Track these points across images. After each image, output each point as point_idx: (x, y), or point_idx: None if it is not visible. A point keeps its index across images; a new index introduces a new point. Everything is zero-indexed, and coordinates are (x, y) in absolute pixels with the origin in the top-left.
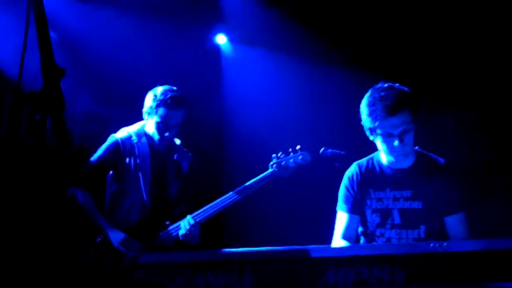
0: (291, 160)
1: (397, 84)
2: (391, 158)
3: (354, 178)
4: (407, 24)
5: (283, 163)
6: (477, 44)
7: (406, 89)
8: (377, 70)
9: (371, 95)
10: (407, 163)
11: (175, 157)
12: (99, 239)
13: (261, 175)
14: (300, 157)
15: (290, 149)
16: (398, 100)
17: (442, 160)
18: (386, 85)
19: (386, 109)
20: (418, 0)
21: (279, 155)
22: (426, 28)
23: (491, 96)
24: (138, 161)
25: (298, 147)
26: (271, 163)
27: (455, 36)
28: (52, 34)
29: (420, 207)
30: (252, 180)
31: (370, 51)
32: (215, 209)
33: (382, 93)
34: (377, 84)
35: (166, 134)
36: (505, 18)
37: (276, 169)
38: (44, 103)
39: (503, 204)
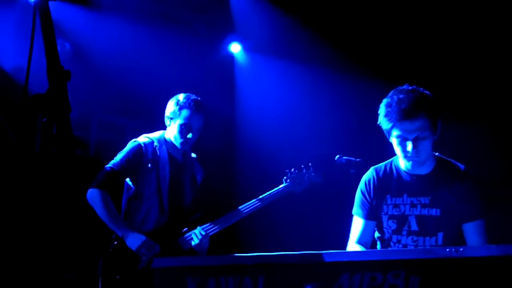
0: (305, 177)
1: (421, 89)
2: (407, 164)
3: (371, 183)
4: (426, 33)
5: (296, 179)
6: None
7: (428, 94)
8: (392, 79)
9: (390, 96)
10: (425, 169)
11: (190, 168)
12: (112, 246)
13: (275, 189)
14: (313, 174)
15: (303, 166)
16: (415, 104)
17: (462, 166)
18: (409, 87)
19: (402, 112)
20: (437, 11)
21: (292, 170)
22: (446, 38)
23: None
24: (159, 166)
25: (310, 164)
26: (285, 177)
27: (475, 45)
28: (67, 44)
29: (438, 214)
30: (266, 193)
31: (386, 60)
32: (230, 221)
33: (401, 96)
34: (402, 86)
35: (189, 135)
36: None
37: (290, 183)
38: (50, 106)
39: None
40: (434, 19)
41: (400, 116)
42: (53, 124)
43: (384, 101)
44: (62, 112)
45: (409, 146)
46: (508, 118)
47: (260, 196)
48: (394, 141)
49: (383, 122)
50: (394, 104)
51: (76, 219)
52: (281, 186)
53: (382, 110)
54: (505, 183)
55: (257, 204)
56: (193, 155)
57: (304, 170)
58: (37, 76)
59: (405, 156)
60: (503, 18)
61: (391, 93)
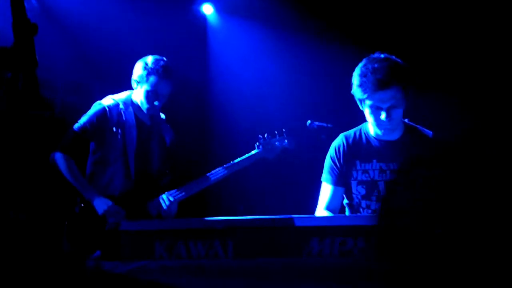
0: (277, 143)
1: (393, 57)
2: (378, 131)
3: (341, 149)
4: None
5: (268, 145)
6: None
7: (401, 63)
8: (365, 44)
9: (364, 65)
10: (394, 135)
11: (159, 131)
12: (77, 209)
13: (247, 155)
14: (286, 141)
15: (276, 132)
16: (390, 74)
17: (430, 132)
18: (382, 56)
19: (377, 82)
20: None
21: (265, 136)
22: (418, 8)
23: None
24: (125, 130)
25: (283, 130)
26: (257, 143)
27: (446, 18)
28: (33, 1)
29: None
30: (237, 159)
31: (359, 27)
32: (198, 186)
33: (376, 65)
34: (374, 53)
35: (156, 103)
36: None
37: (261, 149)
38: (15, 60)
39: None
40: None
41: (375, 86)
42: (18, 80)
43: (357, 70)
44: (28, 67)
45: (383, 115)
46: (473, 87)
47: (231, 162)
48: (367, 110)
49: (357, 92)
50: (369, 74)
51: (41, 180)
52: (252, 152)
53: (356, 80)
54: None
55: (226, 171)
56: (162, 116)
57: (277, 137)
58: (2, 30)
59: (378, 124)
60: None
61: (364, 62)
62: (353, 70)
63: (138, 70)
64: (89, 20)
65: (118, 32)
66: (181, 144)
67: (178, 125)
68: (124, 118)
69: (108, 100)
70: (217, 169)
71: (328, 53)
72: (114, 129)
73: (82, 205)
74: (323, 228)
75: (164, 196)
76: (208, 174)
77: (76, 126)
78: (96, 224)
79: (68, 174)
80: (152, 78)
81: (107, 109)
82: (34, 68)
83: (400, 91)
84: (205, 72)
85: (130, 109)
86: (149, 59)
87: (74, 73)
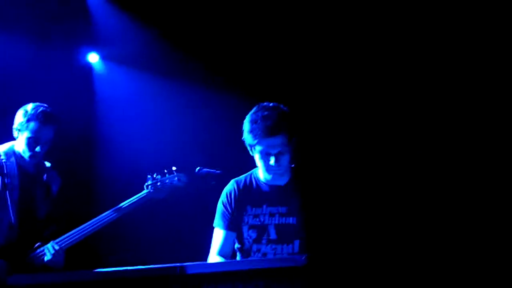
0: (167, 181)
1: (282, 105)
2: (268, 176)
3: (232, 194)
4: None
5: (158, 184)
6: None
7: (288, 111)
8: (251, 93)
9: (255, 112)
10: (283, 180)
11: (44, 179)
12: None
13: (136, 196)
14: (176, 178)
15: (166, 170)
16: (279, 122)
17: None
18: (271, 104)
19: (266, 129)
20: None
21: (154, 175)
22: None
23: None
24: (6, 180)
25: (174, 168)
26: (146, 183)
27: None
28: None
29: (294, 223)
30: (126, 201)
31: (245, 75)
32: (83, 232)
33: (266, 112)
34: (263, 102)
35: (37, 149)
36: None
37: (152, 190)
38: None
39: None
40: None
41: (265, 132)
42: None
43: (248, 117)
44: None
45: (272, 160)
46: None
47: (119, 205)
48: (257, 155)
49: (248, 137)
50: (259, 120)
51: None
52: (142, 193)
53: (246, 126)
54: None
55: (114, 215)
56: (48, 164)
57: (167, 175)
58: None
59: (267, 169)
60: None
61: (255, 109)
62: (241, 117)
63: (19, 117)
64: None
65: (2, 82)
66: (69, 191)
67: (66, 171)
68: (5, 168)
69: None
70: (105, 213)
71: (216, 100)
72: None
73: None
74: (214, 275)
75: (49, 245)
76: (95, 218)
77: None
78: None
79: None
80: (32, 124)
81: None
82: None
83: (287, 138)
84: (92, 117)
85: (12, 159)
86: (29, 106)
87: None
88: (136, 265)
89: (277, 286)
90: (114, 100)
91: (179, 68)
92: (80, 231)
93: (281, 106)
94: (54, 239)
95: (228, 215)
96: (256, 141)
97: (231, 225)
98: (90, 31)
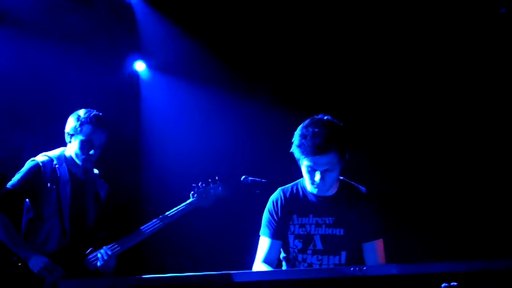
0: (211, 191)
1: (336, 121)
2: (313, 190)
3: (279, 203)
4: (324, 57)
5: (203, 194)
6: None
7: (341, 127)
8: (296, 104)
9: (305, 127)
10: (330, 191)
11: (93, 185)
12: (14, 268)
13: (182, 205)
14: (220, 188)
15: (210, 180)
16: (328, 140)
17: (363, 188)
18: (324, 118)
19: (315, 147)
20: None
21: (199, 184)
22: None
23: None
24: (59, 186)
25: (216, 178)
26: (192, 192)
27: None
28: None
29: (342, 234)
30: (173, 209)
31: (290, 81)
32: (134, 239)
33: (317, 129)
34: (317, 115)
35: (91, 152)
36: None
37: (197, 199)
38: None
39: (413, 231)
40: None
41: (313, 150)
42: None
43: (299, 130)
44: None
45: (317, 176)
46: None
47: (166, 213)
48: (303, 168)
49: (296, 151)
50: (308, 137)
51: None
52: (187, 201)
53: (296, 140)
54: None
55: (161, 223)
56: (96, 171)
57: (211, 185)
58: None
59: (312, 183)
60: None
61: (306, 122)
62: (288, 126)
63: (71, 122)
64: (23, 78)
65: (52, 90)
66: (116, 198)
67: (112, 179)
68: (58, 174)
69: (41, 157)
70: (152, 221)
71: (262, 109)
72: (48, 185)
73: (20, 264)
74: (260, 283)
75: (102, 250)
76: (142, 227)
77: (9, 184)
78: (34, 284)
79: (3, 233)
80: (85, 128)
81: (41, 165)
82: None
83: (337, 157)
84: (138, 126)
85: (64, 164)
86: (81, 111)
87: (7, 130)
88: (183, 273)
89: None
90: (160, 107)
91: (225, 76)
92: (131, 238)
93: (335, 121)
94: (104, 244)
95: (274, 223)
96: (303, 157)
97: (277, 234)
98: (137, 40)
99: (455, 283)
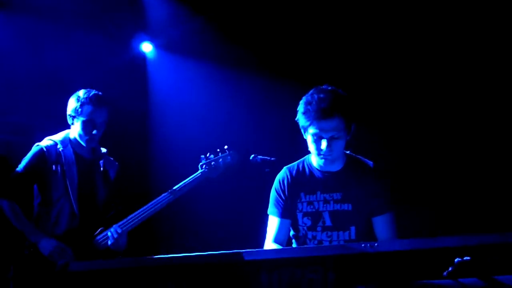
0: (220, 160)
1: (340, 90)
2: (320, 161)
3: (285, 182)
4: (335, 34)
5: (212, 163)
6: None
7: (346, 95)
8: (303, 80)
9: (310, 94)
10: (337, 166)
11: (101, 164)
12: (26, 251)
13: (191, 176)
14: (229, 156)
15: (218, 149)
16: (334, 105)
17: (371, 163)
18: (329, 88)
19: (320, 111)
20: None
21: (207, 155)
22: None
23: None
24: (65, 168)
25: (225, 147)
26: (201, 163)
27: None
28: None
29: (350, 209)
30: (182, 182)
31: (296, 60)
32: (144, 215)
33: (322, 95)
34: (322, 85)
35: (94, 132)
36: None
37: (206, 169)
38: None
39: (423, 204)
40: (341, 18)
41: (319, 115)
42: None
43: (304, 98)
44: None
45: (323, 144)
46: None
47: (175, 186)
48: (309, 138)
49: (301, 119)
50: (314, 102)
51: None
52: (196, 173)
53: (301, 107)
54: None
55: (172, 196)
56: (103, 150)
57: (220, 154)
58: None
59: (318, 154)
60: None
61: (311, 91)
62: (295, 104)
63: (72, 104)
64: (30, 60)
65: (58, 71)
66: (125, 174)
67: (121, 157)
68: (63, 156)
69: (45, 141)
70: (161, 196)
71: (268, 86)
72: (53, 168)
73: (32, 249)
74: (271, 261)
75: (112, 229)
76: (151, 202)
77: (16, 170)
78: (46, 266)
79: (13, 219)
80: (86, 108)
81: (44, 149)
82: None
83: (342, 123)
84: (145, 104)
85: (69, 147)
86: (81, 92)
87: (15, 114)
88: (193, 252)
89: (333, 274)
90: (167, 87)
91: (231, 54)
92: (140, 213)
93: (339, 90)
94: (114, 223)
95: (282, 202)
96: (309, 123)
97: (285, 213)
98: (144, 21)
99: (468, 257)
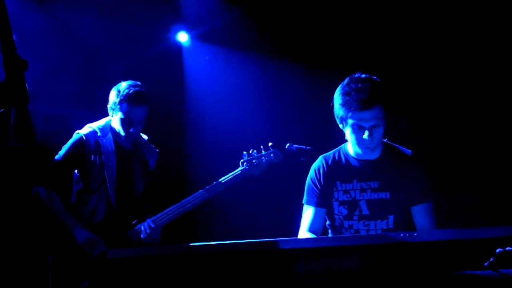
0: (263, 158)
1: (375, 77)
2: (358, 150)
3: (321, 171)
4: (366, 22)
5: (254, 161)
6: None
7: (383, 83)
8: (339, 68)
9: (347, 84)
10: (374, 154)
11: (142, 154)
12: (64, 240)
13: (231, 173)
14: (272, 154)
15: (262, 146)
16: (373, 94)
17: (408, 151)
18: (363, 76)
19: (361, 102)
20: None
21: (250, 152)
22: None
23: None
24: (103, 159)
25: (270, 144)
26: (242, 160)
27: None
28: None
29: (388, 198)
30: (221, 179)
31: (331, 49)
32: (178, 211)
33: (359, 85)
34: (355, 74)
35: (131, 130)
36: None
37: (247, 167)
38: (7, 96)
39: (464, 195)
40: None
41: (359, 105)
42: (10, 115)
43: (340, 89)
44: (20, 103)
45: (366, 134)
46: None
47: (214, 183)
48: (348, 129)
49: (339, 111)
50: (352, 93)
51: (24, 213)
52: (237, 170)
53: (338, 99)
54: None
55: (206, 194)
56: (145, 137)
57: (263, 151)
58: None
59: (359, 143)
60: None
61: (346, 81)
62: (330, 94)
63: (112, 97)
64: (66, 50)
65: (95, 61)
66: (164, 166)
67: (160, 149)
68: (102, 145)
69: (85, 129)
70: (198, 192)
71: (304, 76)
72: (92, 157)
73: (69, 237)
74: (308, 250)
75: (145, 223)
76: (191, 196)
77: (55, 158)
78: (83, 254)
79: (50, 207)
80: (124, 106)
81: (84, 138)
82: (26, 103)
83: (382, 111)
84: (182, 96)
85: (109, 135)
86: (122, 85)
87: (52, 103)
88: (228, 240)
89: (371, 263)
90: (203, 78)
91: (267, 45)
92: (176, 209)
93: (374, 77)
94: (150, 215)
95: (317, 191)
96: (349, 114)
97: (321, 202)
98: (180, 10)
99: (510, 248)
